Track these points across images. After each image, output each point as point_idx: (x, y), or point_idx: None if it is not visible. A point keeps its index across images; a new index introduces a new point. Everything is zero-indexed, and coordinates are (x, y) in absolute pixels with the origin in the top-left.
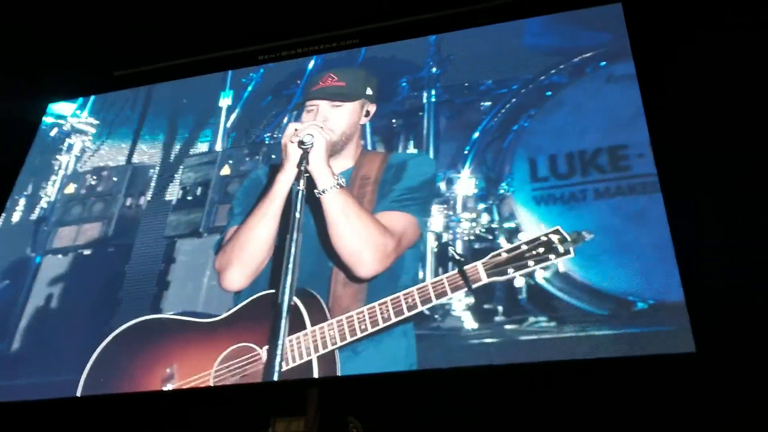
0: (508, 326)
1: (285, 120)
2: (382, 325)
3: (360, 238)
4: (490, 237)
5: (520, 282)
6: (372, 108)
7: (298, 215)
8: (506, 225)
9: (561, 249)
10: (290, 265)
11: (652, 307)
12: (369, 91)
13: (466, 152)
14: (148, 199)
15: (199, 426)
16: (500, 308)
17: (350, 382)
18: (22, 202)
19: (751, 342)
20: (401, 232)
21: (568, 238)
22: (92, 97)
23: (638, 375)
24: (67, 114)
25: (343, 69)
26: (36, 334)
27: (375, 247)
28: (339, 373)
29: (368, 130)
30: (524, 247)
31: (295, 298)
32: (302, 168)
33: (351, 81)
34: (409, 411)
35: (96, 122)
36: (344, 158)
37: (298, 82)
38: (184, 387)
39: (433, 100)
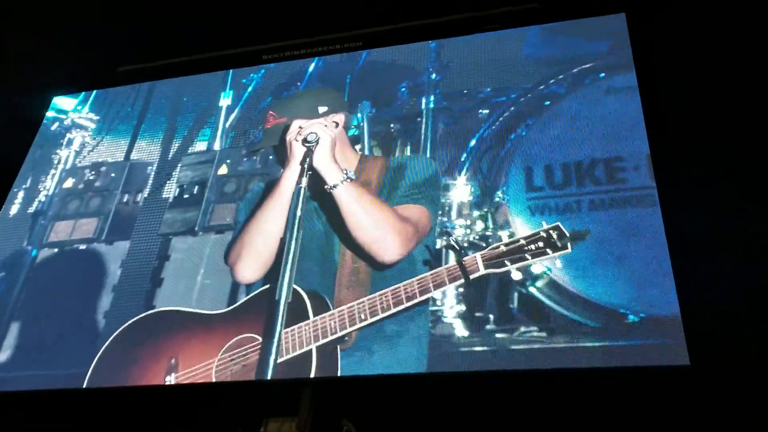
0: (499, 335)
1: None
2: (381, 315)
3: (381, 225)
4: (484, 245)
5: (517, 275)
6: (339, 117)
7: (299, 213)
8: (500, 233)
9: (559, 244)
10: (288, 264)
11: (643, 321)
12: (321, 109)
13: (462, 159)
14: (145, 196)
15: (192, 425)
16: (491, 316)
17: (344, 382)
18: (20, 194)
19: (745, 360)
20: (417, 220)
21: (567, 234)
22: (94, 93)
23: (629, 387)
24: (68, 109)
25: (284, 100)
26: (29, 327)
27: (397, 232)
28: (339, 371)
29: (366, 134)
30: (523, 241)
31: (302, 293)
32: (305, 166)
33: (292, 113)
34: (404, 414)
35: (96, 118)
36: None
37: (299, 84)
38: (188, 377)
39: (432, 106)
